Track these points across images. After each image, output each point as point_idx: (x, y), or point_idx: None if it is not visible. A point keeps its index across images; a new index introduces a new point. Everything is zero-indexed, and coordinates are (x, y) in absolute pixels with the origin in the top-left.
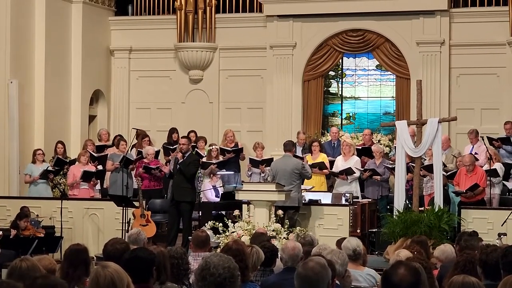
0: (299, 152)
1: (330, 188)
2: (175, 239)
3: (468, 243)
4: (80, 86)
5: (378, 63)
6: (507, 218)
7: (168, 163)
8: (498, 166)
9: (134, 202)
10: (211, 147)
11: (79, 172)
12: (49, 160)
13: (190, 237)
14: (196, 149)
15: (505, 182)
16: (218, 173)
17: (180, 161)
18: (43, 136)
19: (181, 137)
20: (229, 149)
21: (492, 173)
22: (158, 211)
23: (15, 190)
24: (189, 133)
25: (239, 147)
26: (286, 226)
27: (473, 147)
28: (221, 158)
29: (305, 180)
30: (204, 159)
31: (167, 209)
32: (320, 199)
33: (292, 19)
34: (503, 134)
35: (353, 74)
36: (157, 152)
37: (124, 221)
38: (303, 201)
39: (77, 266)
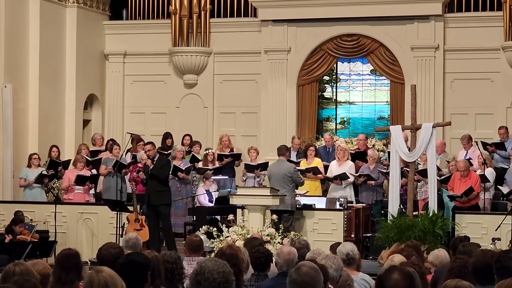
0: (293, 157)
1: (324, 193)
2: (158, 243)
3: (467, 248)
4: (75, 90)
5: (373, 68)
6: (501, 223)
7: None
8: (488, 172)
9: (128, 207)
10: (207, 151)
11: (74, 176)
12: (43, 164)
13: (169, 239)
14: (192, 153)
15: (500, 187)
16: (213, 177)
17: (151, 167)
18: (37, 140)
19: (145, 144)
20: (227, 153)
21: (483, 178)
22: None
23: (9, 194)
24: (184, 137)
25: (236, 152)
26: (280, 231)
27: (467, 153)
28: (217, 163)
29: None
30: (200, 164)
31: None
32: (314, 204)
33: (286, 24)
34: (497, 139)
35: (347, 79)
36: None
37: (118, 226)
38: (297, 206)
39: (69, 270)
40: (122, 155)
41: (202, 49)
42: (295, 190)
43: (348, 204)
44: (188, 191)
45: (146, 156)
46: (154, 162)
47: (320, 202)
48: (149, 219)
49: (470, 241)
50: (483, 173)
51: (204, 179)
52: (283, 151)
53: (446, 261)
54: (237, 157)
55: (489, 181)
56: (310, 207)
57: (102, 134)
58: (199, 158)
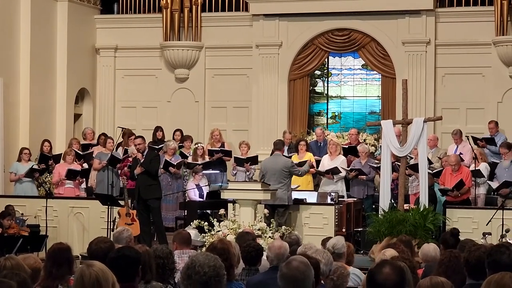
0: (285, 152)
1: (316, 187)
2: (149, 237)
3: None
4: (66, 84)
5: (364, 63)
6: (491, 218)
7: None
8: (483, 166)
9: (119, 201)
10: (197, 145)
11: (65, 170)
12: (34, 159)
13: (160, 233)
14: (180, 149)
15: (490, 182)
16: (204, 172)
17: (142, 161)
18: (28, 134)
19: (135, 138)
20: (217, 149)
21: (476, 173)
22: None
23: (0, 188)
24: (174, 132)
25: (226, 147)
26: (272, 225)
27: (457, 147)
28: (207, 158)
29: (292, 179)
30: (189, 159)
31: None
32: (305, 198)
33: (278, 18)
34: (487, 134)
35: (338, 74)
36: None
37: (109, 220)
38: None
39: (61, 265)
40: (113, 149)
41: (193, 43)
42: None
43: (339, 199)
44: (179, 186)
45: (137, 150)
46: (144, 156)
47: (312, 197)
48: (139, 214)
49: (460, 236)
50: (475, 168)
51: (194, 173)
52: (279, 146)
53: (436, 255)
54: (228, 154)
55: (483, 176)
56: (301, 202)
57: (93, 128)
58: (187, 155)
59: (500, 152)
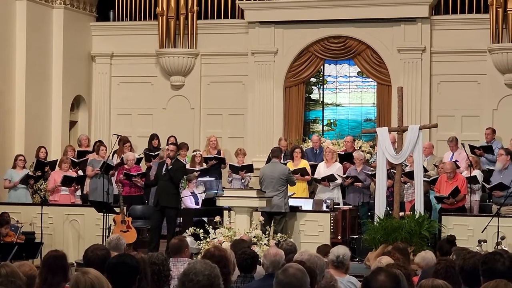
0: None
1: (311, 195)
2: (158, 245)
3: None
4: (61, 91)
5: (359, 70)
6: (487, 225)
7: (149, 170)
8: (477, 173)
9: (114, 208)
10: (195, 153)
11: (60, 177)
12: (30, 165)
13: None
14: (176, 157)
15: (485, 184)
16: (199, 179)
17: (170, 167)
18: (23, 141)
19: (170, 144)
20: (211, 156)
21: (472, 180)
22: (139, 217)
23: None
24: (169, 138)
25: (222, 155)
26: (268, 233)
27: (453, 155)
28: (204, 165)
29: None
30: (187, 166)
31: (150, 214)
32: (301, 206)
33: (273, 26)
34: (483, 142)
35: (334, 81)
36: (139, 159)
37: (104, 227)
38: None
39: (56, 272)
40: (108, 156)
41: (189, 50)
42: None
43: (334, 206)
44: None
45: (167, 156)
46: (172, 164)
47: (307, 204)
48: (152, 220)
49: (456, 244)
50: (469, 175)
51: (188, 181)
52: (277, 153)
53: (432, 262)
54: (222, 161)
55: (478, 183)
56: (297, 209)
57: (89, 135)
58: (184, 161)
59: (498, 153)
